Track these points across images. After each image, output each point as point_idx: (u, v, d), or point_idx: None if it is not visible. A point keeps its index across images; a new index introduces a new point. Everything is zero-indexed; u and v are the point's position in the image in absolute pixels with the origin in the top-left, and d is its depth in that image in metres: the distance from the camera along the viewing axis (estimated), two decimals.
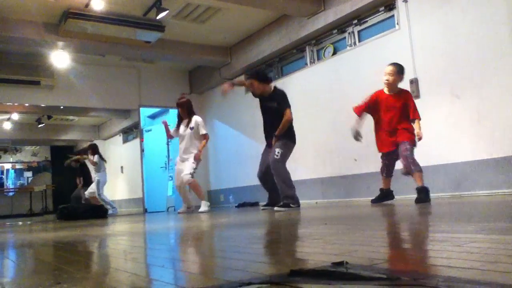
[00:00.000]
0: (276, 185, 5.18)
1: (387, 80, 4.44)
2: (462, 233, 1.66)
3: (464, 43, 4.88)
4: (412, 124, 4.39)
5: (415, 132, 4.32)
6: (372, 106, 4.57)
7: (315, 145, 6.80)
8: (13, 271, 1.64)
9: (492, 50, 4.62)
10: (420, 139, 4.33)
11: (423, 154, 5.08)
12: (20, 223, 7.45)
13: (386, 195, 4.67)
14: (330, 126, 6.57)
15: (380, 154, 4.65)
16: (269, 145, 5.29)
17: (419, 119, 4.37)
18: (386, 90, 4.53)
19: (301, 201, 6.77)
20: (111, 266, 1.55)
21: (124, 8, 6.51)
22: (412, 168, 4.21)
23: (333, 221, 2.89)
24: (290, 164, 7.10)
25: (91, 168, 9.52)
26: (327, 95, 6.62)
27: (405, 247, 1.50)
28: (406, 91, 4.58)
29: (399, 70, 4.44)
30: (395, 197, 4.79)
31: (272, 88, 5.32)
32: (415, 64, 5.35)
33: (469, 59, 4.82)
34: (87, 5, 6.19)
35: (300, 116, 7.11)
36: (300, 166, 7.06)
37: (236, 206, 7.99)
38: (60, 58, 7.72)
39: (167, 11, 6.36)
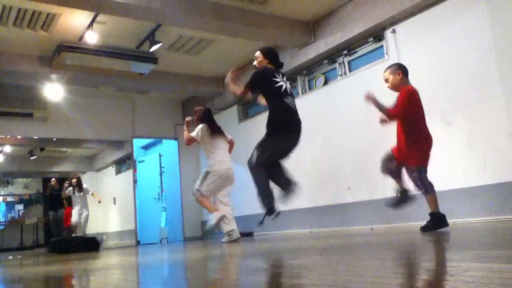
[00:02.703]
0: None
1: (388, 87, 4.08)
2: (456, 262, 1.66)
3: (453, 70, 4.97)
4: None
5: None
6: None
7: (309, 173, 6.80)
8: None
9: (481, 77, 4.71)
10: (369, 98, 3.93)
11: None
12: (11, 257, 7.31)
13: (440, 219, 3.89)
14: (323, 154, 6.60)
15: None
16: None
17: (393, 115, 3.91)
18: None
19: (295, 231, 6.69)
20: None
21: (117, 41, 6.60)
22: (422, 190, 3.84)
23: (328, 251, 2.87)
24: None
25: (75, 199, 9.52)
26: (319, 124, 6.66)
27: (400, 277, 1.49)
28: (403, 90, 3.94)
29: (393, 69, 4.04)
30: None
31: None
32: None
33: (459, 86, 4.90)
34: (81, 38, 6.26)
35: None
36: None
37: None
38: (53, 90, 7.74)
39: (160, 44, 6.45)
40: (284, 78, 4.51)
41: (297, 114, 4.42)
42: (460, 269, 1.43)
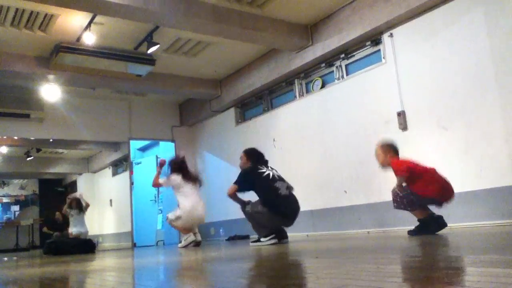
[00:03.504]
0: None
1: (379, 162, 4.23)
2: (452, 266, 1.66)
3: (450, 75, 4.99)
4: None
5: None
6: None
7: (305, 177, 6.80)
8: None
9: (478, 82, 4.72)
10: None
11: None
12: (6, 258, 7.28)
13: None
14: (320, 157, 6.61)
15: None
16: None
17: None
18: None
19: (292, 234, 6.70)
20: None
21: (115, 42, 6.59)
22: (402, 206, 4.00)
23: (324, 254, 2.87)
24: None
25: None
26: (316, 127, 6.67)
27: (396, 282, 1.49)
28: (392, 162, 4.15)
29: (384, 148, 4.20)
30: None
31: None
32: (402, 97, 5.44)
33: (456, 91, 4.91)
34: (78, 39, 6.25)
35: (290, 148, 7.16)
36: None
37: (226, 240, 7.91)
38: (50, 91, 7.72)
39: (158, 45, 6.44)
40: (269, 167, 4.89)
41: (294, 201, 4.76)
42: (456, 273, 1.43)
